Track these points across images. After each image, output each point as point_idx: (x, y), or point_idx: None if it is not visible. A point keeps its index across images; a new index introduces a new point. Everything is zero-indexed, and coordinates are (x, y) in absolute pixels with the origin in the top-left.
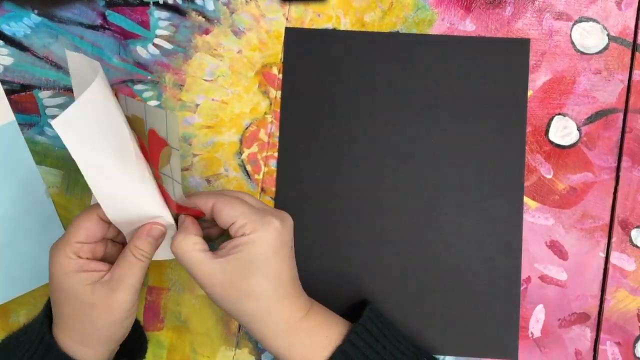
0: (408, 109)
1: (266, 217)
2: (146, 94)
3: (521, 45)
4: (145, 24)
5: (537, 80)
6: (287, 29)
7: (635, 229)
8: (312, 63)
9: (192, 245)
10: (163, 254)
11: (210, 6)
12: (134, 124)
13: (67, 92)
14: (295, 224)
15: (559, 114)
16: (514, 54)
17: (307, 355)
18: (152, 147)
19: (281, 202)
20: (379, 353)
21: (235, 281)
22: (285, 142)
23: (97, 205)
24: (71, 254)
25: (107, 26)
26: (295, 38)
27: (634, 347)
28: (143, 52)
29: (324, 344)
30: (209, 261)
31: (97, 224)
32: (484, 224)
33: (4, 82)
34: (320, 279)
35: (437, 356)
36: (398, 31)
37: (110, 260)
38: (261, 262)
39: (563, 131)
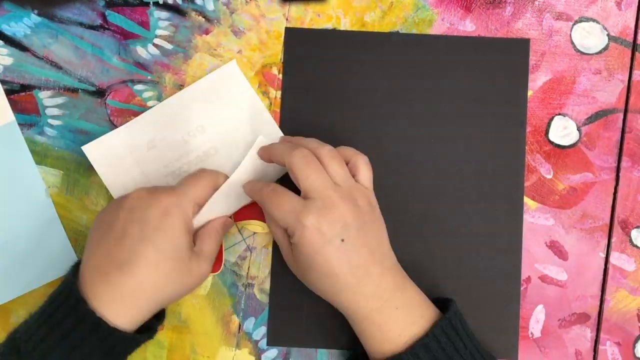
0: (408, 109)
1: (301, 216)
2: (146, 94)
3: (521, 45)
4: (145, 24)
5: (537, 80)
6: (287, 29)
7: (635, 229)
8: (312, 63)
9: (273, 229)
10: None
11: (210, 6)
12: None
13: (66, 92)
14: None
15: (559, 114)
16: (514, 54)
17: (381, 345)
18: None
19: None
20: (459, 352)
21: (301, 275)
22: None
23: (214, 172)
24: (192, 212)
25: (107, 26)
26: (295, 38)
27: (634, 347)
28: (143, 52)
29: (402, 334)
30: (289, 254)
31: (212, 190)
32: (484, 224)
33: (3, 82)
34: None
35: None
36: (398, 31)
37: None
38: (307, 263)
39: (563, 131)
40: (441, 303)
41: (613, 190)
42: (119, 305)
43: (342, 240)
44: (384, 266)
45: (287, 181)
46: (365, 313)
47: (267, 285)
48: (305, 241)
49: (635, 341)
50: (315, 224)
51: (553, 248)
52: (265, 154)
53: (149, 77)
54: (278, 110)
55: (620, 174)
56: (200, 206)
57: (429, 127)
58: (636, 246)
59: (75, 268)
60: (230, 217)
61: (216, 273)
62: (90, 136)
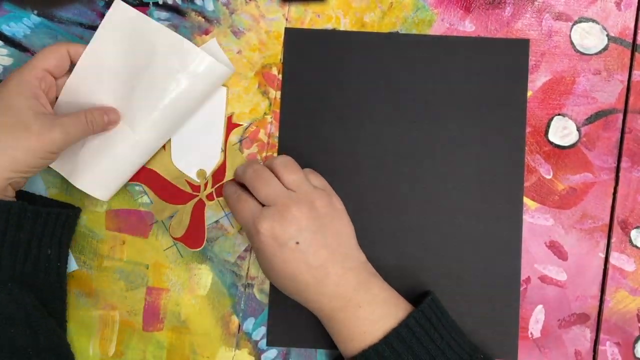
0: (408, 109)
1: (257, 222)
2: None
3: (521, 46)
4: None
5: (537, 80)
6: (287, 29)
7: (634, 230)
8: (312, 63)
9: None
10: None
11: (209, 6)
12: None
13: None
14: None
15: (559, 115)
16: (513, 55)
17: (350, 343)
18: None
19: None
20: (435, 342)
21: (267, 277)
22: (285, 142)
23: (68, 42)
24: (34, 78)
25: None
26: (295, 38)
27: (634, 347)
28: None
29: (368, 331)
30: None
31: (65, 58)
32: (483, 224)
33: None
34: None
35: None
36: (398, 31)
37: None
38: (267, 266)
39: (563, 131)
40: (423, 297)
41: (613, 191)
42: None
43: (297, 243)
44: (346, 266)
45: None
46: (328, 312)
47: (266, 286)
48: (262, 246)
49: (635, 341)
50: (269, 229)
51: (553, 248)
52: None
53: None
54: (278, 111)
55: (620, 174)
56: (51, 73)
57: (429, 128)
58: (636, 246)
59: None
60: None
61: (197, 249)
62: None
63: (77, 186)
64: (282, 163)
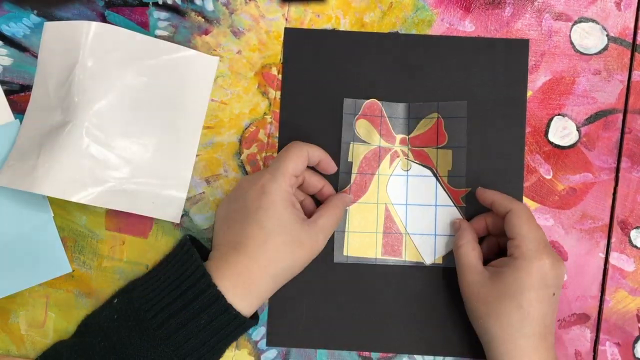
0: (409, 109)
1: (542, 253)
2: None
3: (520, 46)
4: (144, 25)
5: (537, 80)
6: (287, 29)
7: (634, 230)
8: (312, 63)
9: (471, 251)
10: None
11: (209, 6)
12: None
13: None
14: None
15: (559, 115)
16: (513, 55)
17: None
18: None
19: None
20: None
21: (489, 298)
22: (285, 143)
23: (306, 144)
24: (289, 186)
25: None
26: (295, 38)
27: (634, 347)
28: None
29: None
30: (478, 269)
31: (305, 161)
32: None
33: (3, 83)
34: (319, 272)
35: (438, 357)
36: (398, 32)
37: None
38: (516, 291)
39: (562, 132)
40: None
41: (612, 191)
42: (239, 288)
43: (554, 294)
44: (548, 341)
45: None
46: None
47: None
48: (530, 272)
49: (635, 341)
50: (548, 266)
51: (553, 248)
52: (486, 197)
53: None
54: (277, 111)
55: (620, 175)
56: (297, 177)
57: None
58: (635, 246)
59: (191, 244)
60: (349, 192)
61: None
62: None
63: (44, 192)
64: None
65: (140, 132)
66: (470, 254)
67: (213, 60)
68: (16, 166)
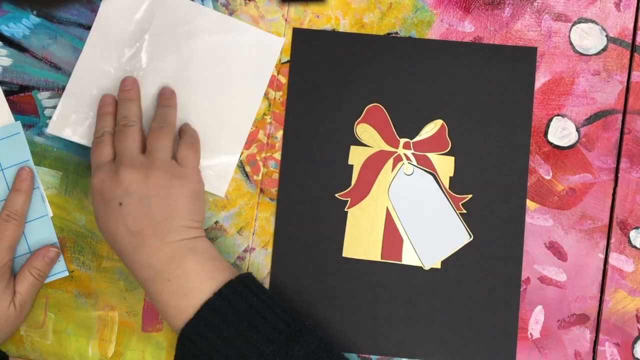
0: (412, 113)
1: (95, 169)
2: None
3: (528, 54)
4: None
5: (536, 81)
6: (295, 30)
7: (634, 230)
8: (319, 64)
9: None
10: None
11: (209, 7)
12: None
13: None
14: (298, 222)
15: (558, 115)
16: (520, 62)
17: (164, 315)
18: None
19: (283, 203)
20: (254, 307)
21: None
22: (291, 141)
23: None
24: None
25: None
26: (303, 39)
27: (633, 347)
28: None
29: (177, 305)
30: None
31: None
32: (487, 229)
33: (2, 83)
34: (319, 274)
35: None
36: (397, 32)
37: None
38: (95, 218)
39: (562, 132)
40: None
41: (612, 191)
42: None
43: (120, 204)
44: (165, 240)
45: None
46: (142, 282)
47: (266, 286)
48: (92, 198)
49: (634, 342)
50: (99, 182)
51: (552, 249)
52: None
53: None
54: (277, 112)
55: (619, 175)
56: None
57: None
58: (635, 247)
59: None
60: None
61: None
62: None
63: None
64: (158, 128)
65: (202, 103)
66: None
67: (278, 41)
68: (71, 118)
